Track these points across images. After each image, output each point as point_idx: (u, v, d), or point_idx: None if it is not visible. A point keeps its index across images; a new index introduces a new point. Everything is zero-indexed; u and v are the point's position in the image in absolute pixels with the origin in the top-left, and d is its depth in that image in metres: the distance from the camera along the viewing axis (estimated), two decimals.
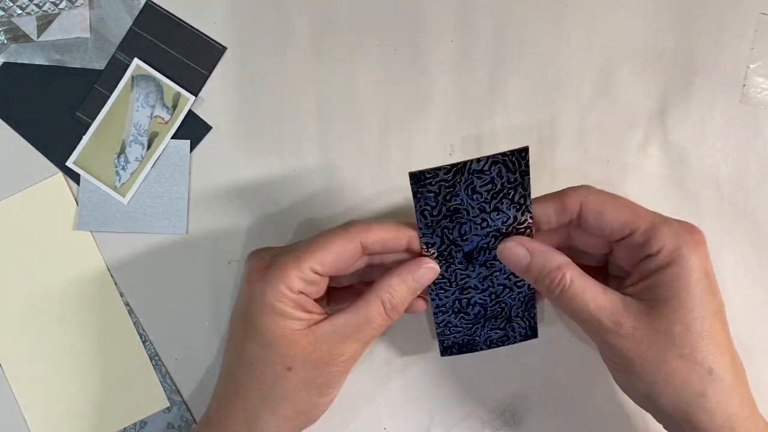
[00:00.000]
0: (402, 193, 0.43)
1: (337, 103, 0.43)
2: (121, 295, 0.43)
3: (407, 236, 0.36)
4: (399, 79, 0.43)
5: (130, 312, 0.43)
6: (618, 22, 0.43)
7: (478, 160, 0.33)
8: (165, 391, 0.42)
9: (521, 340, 0.41)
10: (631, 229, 0.34)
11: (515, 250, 0.35)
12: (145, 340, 0.43)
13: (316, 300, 0.37)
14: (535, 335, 0.41)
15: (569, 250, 0.37)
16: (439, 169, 0.34)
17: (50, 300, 0.43)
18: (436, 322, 0.40)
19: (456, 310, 0.39)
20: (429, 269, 0.36)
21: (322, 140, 0.43)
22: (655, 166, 0.43)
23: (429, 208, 0.35)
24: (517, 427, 0.42)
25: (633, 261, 0.35)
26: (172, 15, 0.43)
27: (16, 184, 0.43)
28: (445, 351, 0.41)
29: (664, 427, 0.35)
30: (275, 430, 0.36)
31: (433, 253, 0.36)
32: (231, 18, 0.43)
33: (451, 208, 0.35)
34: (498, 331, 0.40)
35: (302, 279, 0.35)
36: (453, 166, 0.34)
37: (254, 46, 0.43)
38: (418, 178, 0.34)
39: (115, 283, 0.43)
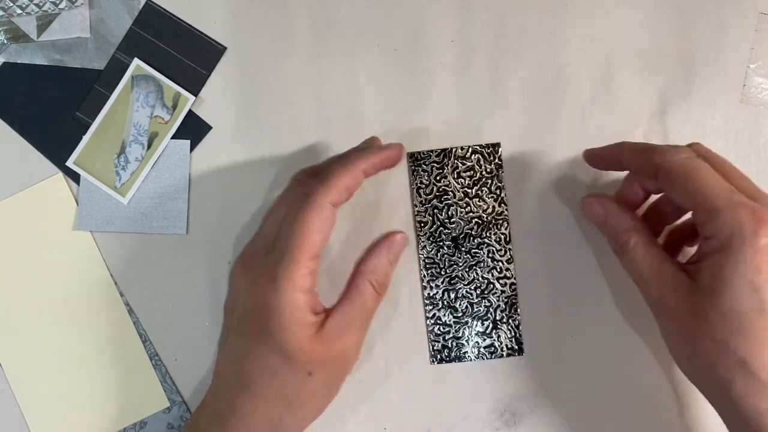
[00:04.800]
0: (401, 195, 0.43)
1: (337, 103, 0.43)
2: (121, 295, 0.43)
3: (399, 151, 0.39)
4: (399, 79, 0.43)
5: (130, 312, 0.43)
6: (618, 21, 0.43)
7: (461, 147, 0.42)
8: (165, 391, 0.42)
9: (508, 355, 0.42)
10: (695, 208, 0.34)
11: (594, 207, 0.38)
12: (145, 340, 0.43)
13: None
14: (521, 352, 0.42)
15: None
16: (431, 151, 0.42)
17: (50, 300, 0.43)
18: (426, 317, 0.42)
19: (445, 303, 0.42)
20: (400, 237, 0.40)
21: (322, 140, 0.43)
22: None
23: (423, 186, 0.42)
24: (517, 427, 0.42)
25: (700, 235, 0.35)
26: (172, 15, 0.43)
27: (16, 184, 0.43)
28: (435, 355, 0.42)
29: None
30: (295, 430, 0.37)
31: (426, 233, 0.42)
32: (231, 18, 0.43)
33: (441, 189, 0.42)
34: (485, 338, 0.42)
35: (309, 275, 0.35)
36: (442, 150, 0.42)
37: (254, 46, 0.43)
38: (415, 158, 0.42)
39: (115, 283, 0.43)
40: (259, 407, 0.36)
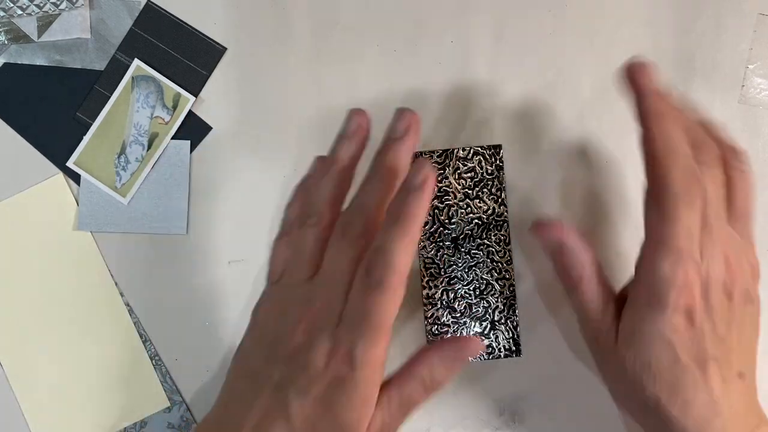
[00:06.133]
0: None
1: (337, 103, 0.43)
2: (121, 295, 0.43)
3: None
4: (399, 80, 0.43)
5: (130, 312, 0.43)
6: (618, 22, 0.43)
7: (463, 148, 0.42)
8: (165, 391, 0.43)
9: (506, 356, 0.42)
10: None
11: (550, 233, 0.36)
12: (145, 340, 0.43)
13: None
14: (518, 353, 0.42)
15: None
16: (433, 151, 0.43)
17: (50, 300, 0.43)
18: (425, 317, 0.42)
19: (444, 304, 0.42)
20: (474, 343, 0.34)
21: (322, 140, 0.43)
22: None
23: None
24: (516, 427, 0.42)
25: None
26: (172, 15, 0.43)
27: (17, 185, 0.43)
28: None
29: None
30: None
31: (426, 233, 0.42)
32: (231, 18, 0.43)
33: (442, 189, 0.42)
34: (483, 338, 0.42)
35: (386, 349, 0.32)
36: (443, 150, 0.43)
37: (254, 46, 0.43)
38: (416, 157, 0.41)
39: (115, 283, 0.43)
40: None
